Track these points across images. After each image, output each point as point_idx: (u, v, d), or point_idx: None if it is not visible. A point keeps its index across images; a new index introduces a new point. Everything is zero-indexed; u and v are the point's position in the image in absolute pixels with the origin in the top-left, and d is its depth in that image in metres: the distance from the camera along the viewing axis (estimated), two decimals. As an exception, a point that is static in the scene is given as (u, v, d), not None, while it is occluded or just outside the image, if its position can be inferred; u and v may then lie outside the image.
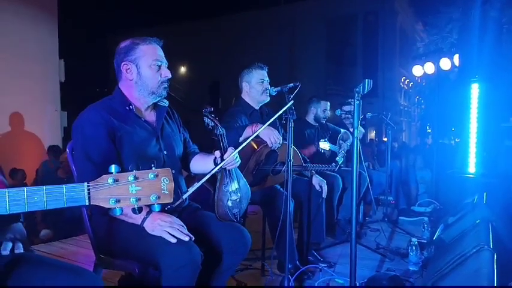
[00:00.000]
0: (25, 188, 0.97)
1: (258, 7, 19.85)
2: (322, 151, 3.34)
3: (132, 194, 1.03)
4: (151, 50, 1.74)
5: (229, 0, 20.29)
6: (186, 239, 1.50)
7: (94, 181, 1.02)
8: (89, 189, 1.01)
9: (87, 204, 1.01)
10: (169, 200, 1.06)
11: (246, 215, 2.90)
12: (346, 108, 3.92)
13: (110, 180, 1.02)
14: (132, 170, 1.04)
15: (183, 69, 23.07)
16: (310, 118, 3.85)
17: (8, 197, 0.96)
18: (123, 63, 1.74)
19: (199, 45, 20.34)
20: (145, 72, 1.73)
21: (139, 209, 1.05)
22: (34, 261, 1.22)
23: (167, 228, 1.51)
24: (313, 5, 19.21)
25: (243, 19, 20.27)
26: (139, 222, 1.57)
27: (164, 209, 1.62)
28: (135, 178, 1.03)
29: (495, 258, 1.73)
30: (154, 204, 1.05)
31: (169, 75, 1.78)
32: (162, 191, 1.05)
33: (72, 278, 1.18)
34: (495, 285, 1.46)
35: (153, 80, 1.74)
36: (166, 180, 1.06)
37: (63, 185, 0.99)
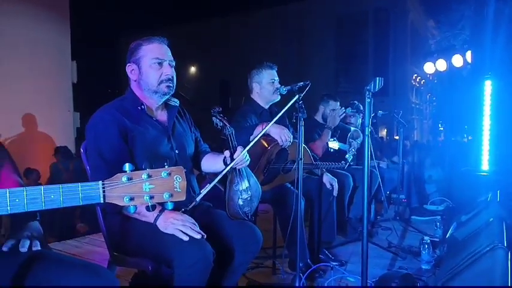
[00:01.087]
0: (42, 187, 1.00)
1: (267, 5, 19.83)
2: (332, 150, 3.33)
3: (145, 192, 1.05)
4: (152, 48, 1.74)
5: (240, 0, 20.30)
6: (198, 236, 1.52)
7: (109, 179, 1.04)
8: (103, 188, 1.03)
9: (102, 202, 1.03)
10: (182, 198, 1.08)
11: (257, 214, 2.92)
12: (353, 110, 3.88)
13: (124, 179, 1.04)
14: (145, 169, 1.05)
15: (193, 69, 23.17)
16: (319, 117, 3.85)
17: (26, 196, 0.98)
18: (127, 65, 1.77)
19: (209, 44, 20.41)
20: (146, 72, 1.74)
21: (153, 207, 1.06)
22: (51, 259, 1.25)
23: (180, 227, 1.53)
24: (323, 3, 19.13)
25: (252, 17, 20.29)
26: (152, 221, 1.59)
27: (180, 210, 1.65)
28: (149, 176, 1.05)
29: (509, 256, 1.72)
30: (167, 202, 1.07)
31: (171, 73, 1.76)
32: (175, 189, 1.07)
33: (88, 276, 1.20)
34: (509, 283, 1.45)
35: (153, 78, 1.74)
36: (179, 179, 1.07)
37: (79, 184, 1.01)
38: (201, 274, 1.50)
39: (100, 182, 1.03)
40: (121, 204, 1.04)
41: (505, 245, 1.84)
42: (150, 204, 1.06)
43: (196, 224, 1.58)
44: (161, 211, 1.59)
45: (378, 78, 1.74)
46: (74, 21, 7.06)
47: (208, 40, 20.48)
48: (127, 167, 1.04)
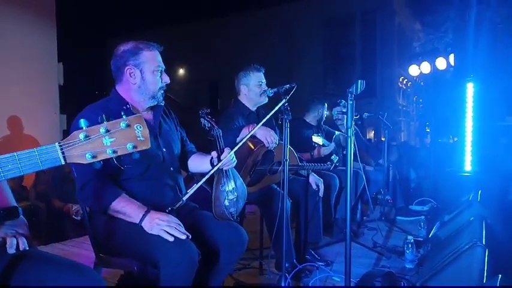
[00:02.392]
0: None
1: (256, 7, 19.89)
2: (316, 145, 3.38)
3: (107, 146, 1.03)
4: (154, 56, 1.81)
5: (227, 2, 20.32)
6: (183, 237, 1.54)
7: (65, 139, 1.02)
8: (62, 149, 1.01)
9: (64, 163, 1.01)
10: (147, 146, 1.07)
11: (244, 215, 2.93)
12: (338, 109, 3.97)
13: (82, 136, 1.02)
14: (102, 122, 1.04)
15: (181, 71, 23.11)
16: (310, 118, 3.89)
17: None
18: (126, 67, 1.78)
19: (198, 46, 20.40)
20: (148, 78, 1.79)
21: (118, 159, 1.05)
22: (39, 258, 1.25)
23: (165, 227, 1.55)
24: (311, 4, 19.27)
25: (241, 20, 20.33)
26: (137, 221, 1.61)
27: (165, 210, 1.67)
28: (107, 130, 1.03)
29: (487, 253, 1.77)
30: (132, 152, 1.05)
31: (169, 81, 1.85)
32: (138, 138, 1.05)
33: (76, 276, 1.20)
34: (484, 279, 1.50)
35: (155, 85, 1.81)
36: (140, 127, 1.06)
37: (35, 149, 1.00)
38: (186, 274, 1.51)
39: (57, 144, 1.01)
40: (84, 162, 1.02)
41: (484, 243, 1.91)
42: (113, 157, 1.04)
43: (182, 224, 1.60)
44: (147, 212, 1.61)
45: (359, 80, 1.79)
46: (60, 23, 6.99)
47: (197, 42, 20.46)
48: (82, 123, 1.03)
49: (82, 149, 1.02)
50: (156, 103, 1.86)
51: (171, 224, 1.56)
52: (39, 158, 1.00)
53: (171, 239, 1.53)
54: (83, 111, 1.74)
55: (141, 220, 1.60)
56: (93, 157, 1.02)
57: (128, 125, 1.04)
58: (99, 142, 1.02)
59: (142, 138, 1.06)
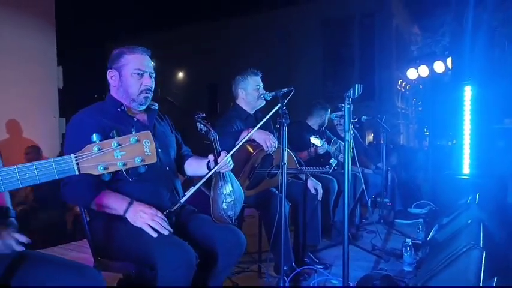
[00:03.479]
0: (15, 166, 1.03)
1: (255, 11, 19.96)
2: (313, 147, 3.38)
3: (117, 159, 1.09)
4: (135, 59, 1.79)
5: (226, 4, 20.39)
6: (166, 233, 1.55)
7: (80, 151, 1.08)
8: (77, 160, 1.06)
9: (78, 173, 1.07)
10: (154, 160, 1.13)
11: (243, 219, 2.94)
12: (338, 113, 3.99)
13: (95, 149, 1.07)
14: (113, 137, 1.10)
15: (181, 74, 23.13)
16: (312, 122, 3.91)
17: (1, 176, 1.02)
18: (108, 71, 1.82)
19: (197, 49, 20.42)
20: (126, 80, 1.79)
21: (127, 171, 1.11)
22: (38, 259, 1.25)
23: (149, 221, 1.57)
24: (309, 7, 19.33)
25: (240, 23, 20.36)
26: (121, 213, 1.62)
27: (163, 213, 1.68)
28: (118, 144, 1.09)
29: (484, 256, 1.78)
30: (139, 166, 1.11)
31: (150, 84, 1.82)
32: (146, 153, 1.11)
33: (75, 276, 1.21)
34: (481, 282, 1.50)
35: (133, 87, 1.79)
36: (148, 142, 1.12)
37: (52, 159, 1.05)
38: (184, 277, 1.52)
39: (72, 155, 1.07)
40: (96, 173, 1.08)
41: (481, 245, 1.91)
42: (124, 169, 1.10)
43: (166, 219, 1.61)
44: (130, 203, 1.62)
45: (356, 84, 1.80)
46: (59, 26, 7.01)
47: (196, 44, 20.47)
48: (95, 137, 1.08)
49: (95, 161, 1.07)
50: (140, 107, 1.84)
51: (155, 218, 1.57)
52: (55, 168, 1.05)
53: (155, 234, 1.54)
54: (78, 113, 1.76)
55: (125, 211, 1.61)
56: (105, 169, 1.08)
57: (138, 140, 1.11)
58: (111, 155, 1.08)
59: (149, 153, 1.12)
